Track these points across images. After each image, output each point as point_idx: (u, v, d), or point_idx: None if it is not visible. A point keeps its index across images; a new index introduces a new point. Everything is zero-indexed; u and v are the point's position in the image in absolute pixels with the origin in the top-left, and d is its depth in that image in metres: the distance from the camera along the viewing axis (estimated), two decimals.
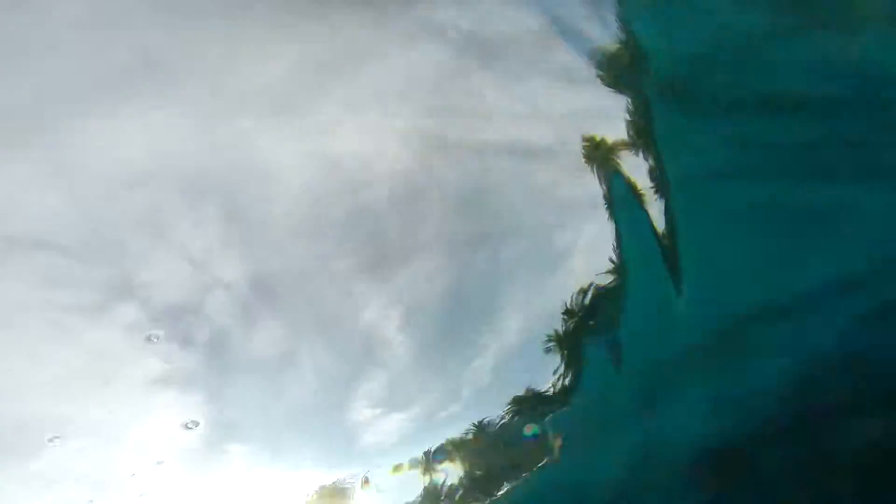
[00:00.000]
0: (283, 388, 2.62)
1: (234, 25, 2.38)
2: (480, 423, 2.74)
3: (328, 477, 2.69)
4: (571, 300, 2.79)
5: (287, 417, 2.65)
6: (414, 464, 2.72)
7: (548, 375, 2.77)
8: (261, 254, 2.48)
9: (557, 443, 2.76)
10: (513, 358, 2.78)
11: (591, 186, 2.73)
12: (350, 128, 2.49)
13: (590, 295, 2.78)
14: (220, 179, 2.36)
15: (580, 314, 2.76)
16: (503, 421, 2.79)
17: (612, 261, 2.75)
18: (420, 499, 2.71)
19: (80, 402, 2.37)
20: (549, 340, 2.75)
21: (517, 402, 2.78)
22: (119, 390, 2.40)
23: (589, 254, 2.78)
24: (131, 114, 2.25)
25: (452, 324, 2.72)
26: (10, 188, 2.13)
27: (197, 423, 2.43)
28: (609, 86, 2.86)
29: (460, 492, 2.73)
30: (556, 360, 2.77)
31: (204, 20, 2.34)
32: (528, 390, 2.81)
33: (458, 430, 2.75)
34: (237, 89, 2.34)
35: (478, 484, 2.76)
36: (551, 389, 2.79)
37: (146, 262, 2.32)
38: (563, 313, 2.73)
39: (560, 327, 2.77)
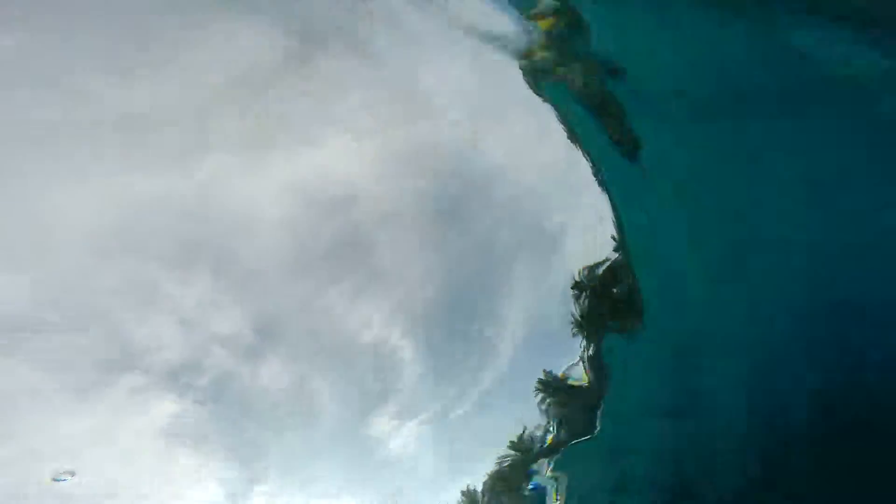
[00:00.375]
0: (302, 422, 2.61)
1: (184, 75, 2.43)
2: (520, 437, 2.74)
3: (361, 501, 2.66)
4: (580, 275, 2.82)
5: (311, 449, 2.63)
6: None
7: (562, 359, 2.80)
8: (254, 296, 2.51)
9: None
10: (523, 344, 2.79)
11: (575, 167, 2.81)
12: (318, 153, 2.55)
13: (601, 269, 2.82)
14: (198, 230, 2.39)
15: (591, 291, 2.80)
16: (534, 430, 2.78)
17: (613, 238, 2.81)
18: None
19: (105, 471, 2.35)
20: (573, 322, 2.77)
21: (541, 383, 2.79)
22: (140, 454, 2.39)
23: (584, 231, 2.84)
24: (89, 177, 2.27)
25: (456, 323, 2.74)
26: None
27: (73, 473, 2.33)
28: None
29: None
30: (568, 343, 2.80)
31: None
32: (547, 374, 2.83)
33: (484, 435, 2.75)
34: (199, 135, 2.38)
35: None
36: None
37: (141, 327, 2.33)
38: (573, 287, 2.75)
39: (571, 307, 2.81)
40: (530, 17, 2.98)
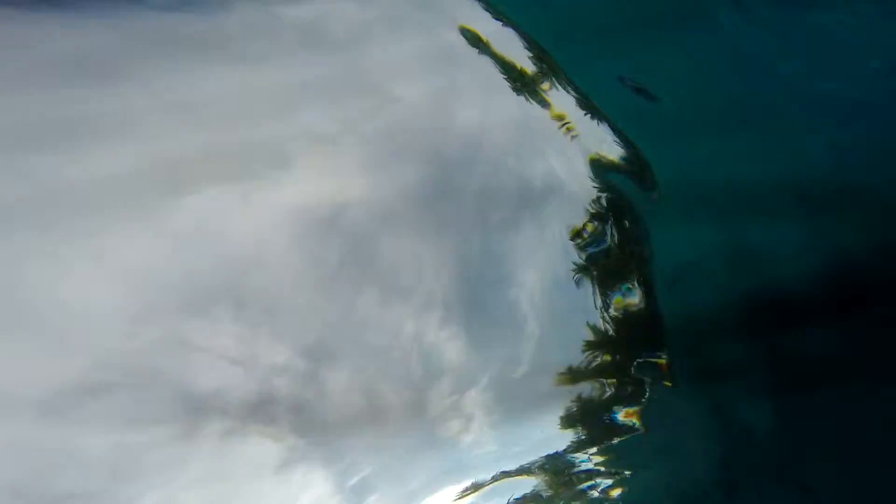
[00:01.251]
0: (376, 425, 2.69)
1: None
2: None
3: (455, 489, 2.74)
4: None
5: (394, 453, 2.72)
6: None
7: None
8: (289, 323, 2.59)
9: None
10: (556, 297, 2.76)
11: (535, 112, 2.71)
12: (300, 166, 2.56)
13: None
14: (213, 274, 2.46)
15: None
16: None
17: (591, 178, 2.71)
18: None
19: None
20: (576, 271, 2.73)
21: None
22: (252, 481, 2.57)
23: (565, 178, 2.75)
24: (83, 242, 2.35)
25: (484, 297, 2.74)
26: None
27: None
28: None
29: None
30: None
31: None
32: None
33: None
34: (170, 184, 2.42)
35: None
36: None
37: (197, 376, 2.46)
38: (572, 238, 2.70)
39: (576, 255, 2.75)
40: None
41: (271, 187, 2.57)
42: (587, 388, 2.81)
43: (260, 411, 2.56)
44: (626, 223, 2.88)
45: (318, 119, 2.62)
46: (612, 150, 2.90)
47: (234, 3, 2.59)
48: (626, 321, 2.85)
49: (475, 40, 2.80)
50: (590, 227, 2.81)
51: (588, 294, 2.85)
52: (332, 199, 2.62)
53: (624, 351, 2.83)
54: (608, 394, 2.84)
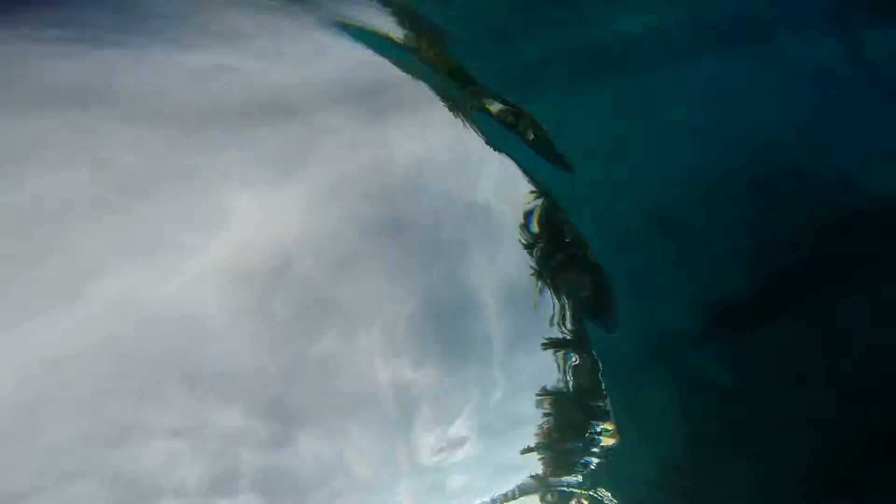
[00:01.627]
0: (357, 482, 2.57)
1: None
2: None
3: None
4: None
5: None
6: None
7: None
8: (244, 387, 2.42)
9: None
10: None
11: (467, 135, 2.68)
12: (230, 225, 2.39)
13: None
14: (142, 348, 2.25)
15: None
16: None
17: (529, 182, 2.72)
18: None
19: None
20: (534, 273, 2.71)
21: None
22: None
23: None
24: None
25: (453, 328, 2.66)
26: None
27: None
28: None
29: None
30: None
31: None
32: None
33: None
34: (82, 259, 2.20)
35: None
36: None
37: (149, 458, 2.25)
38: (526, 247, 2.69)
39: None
40: None
41: (196, 245, 2.37)
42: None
43: (223, 486, 2.37)
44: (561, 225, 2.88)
45: (242, 160, 2.45)
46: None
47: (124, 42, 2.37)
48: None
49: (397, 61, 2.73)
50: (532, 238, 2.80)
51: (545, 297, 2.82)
52: (270, 247, 2.45)
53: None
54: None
